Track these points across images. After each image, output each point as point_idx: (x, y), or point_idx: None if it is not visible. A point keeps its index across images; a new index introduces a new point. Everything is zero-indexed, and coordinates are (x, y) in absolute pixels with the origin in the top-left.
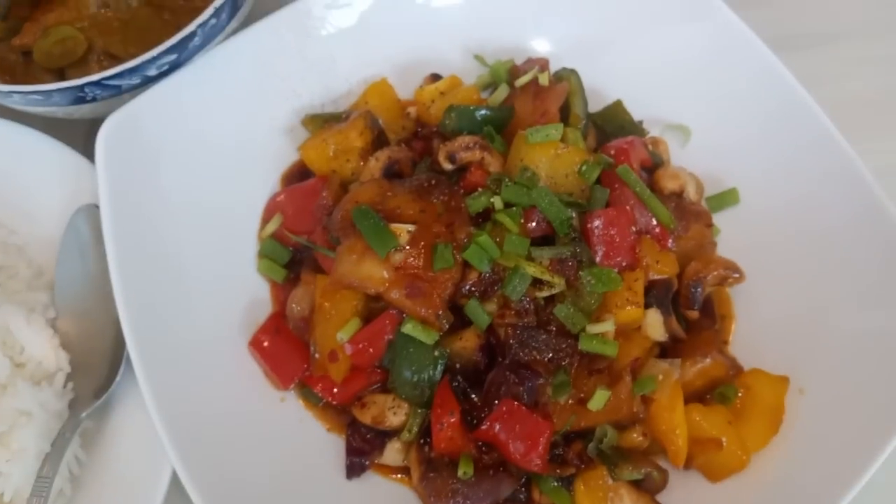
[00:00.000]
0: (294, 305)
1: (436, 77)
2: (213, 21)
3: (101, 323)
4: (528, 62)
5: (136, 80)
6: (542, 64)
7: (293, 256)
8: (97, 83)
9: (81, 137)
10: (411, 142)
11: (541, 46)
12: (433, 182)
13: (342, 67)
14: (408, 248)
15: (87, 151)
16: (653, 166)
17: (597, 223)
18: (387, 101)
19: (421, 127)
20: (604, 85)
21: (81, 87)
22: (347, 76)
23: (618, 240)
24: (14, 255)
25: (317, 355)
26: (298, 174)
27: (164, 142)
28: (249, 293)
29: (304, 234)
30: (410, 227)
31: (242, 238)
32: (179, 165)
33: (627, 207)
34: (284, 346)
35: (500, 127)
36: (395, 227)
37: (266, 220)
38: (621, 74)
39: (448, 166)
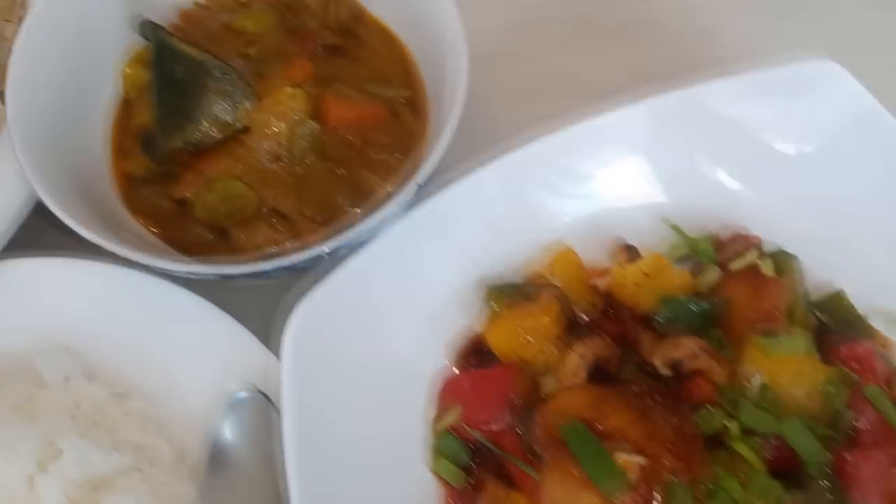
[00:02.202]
0: None
1: (630, 250)
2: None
3: None
4: (737, 239)
5: (322, 262)
6: (757, 244)
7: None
8: (287, 267)
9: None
10: (601, 321)
11: (735, 212)
12: (656, 397)
13: (524, 233)
14: (637, 485)
15: (240, 315)
16: (888, 374)
17: (863, 467)
18: (573, 273)
19: (611, 305)
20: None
21: (267, 271)
22: (529, 242)
23: (888, 490)
24: (154, 432)
25: None
26: (475, 353)
27: (348, 327)
28: (420, 495)
29: (482, 427)
30: (640, 460)
31: (411, 424)
32: (360, 351)
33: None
34: None
35: (715, 321)
36: (623, 458)
37: (442, 408)
38: (829, 254)
39: (667, 373)
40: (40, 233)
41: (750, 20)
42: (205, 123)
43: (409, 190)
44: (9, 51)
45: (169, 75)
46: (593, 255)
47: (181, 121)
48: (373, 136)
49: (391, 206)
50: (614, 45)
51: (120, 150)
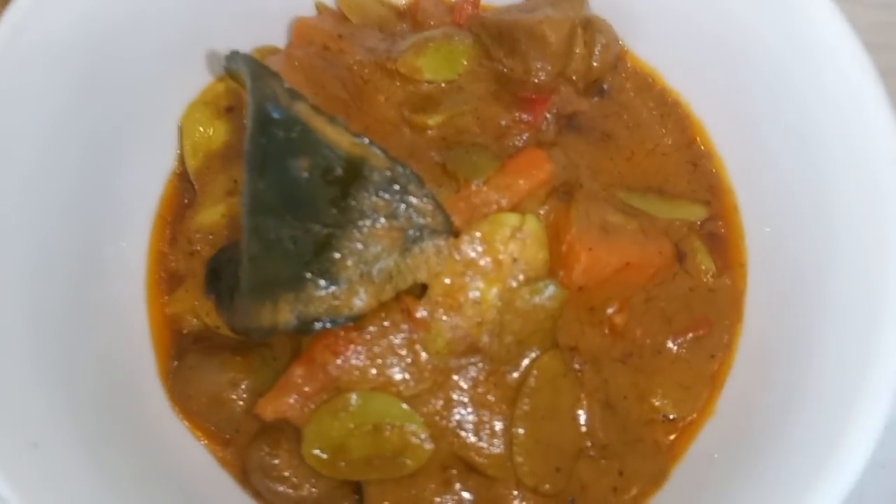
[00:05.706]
0: None
1: None
2: None
3: None
4: None
5: None
6: None
7: None
8: None
9: None
10: None
11: None
12: None
13: None
14: None
15: None
16: None
17: None
18: None
19: None
20: None
21: None
22: None
23: None
24: None
25: None
26: None
27: None
28: None
29: None
30: None
31: None
32: None
33: None
34: None
35: None
36: None
37: None
38: None
39: None
40: None
41: None
42: (346, 282)
43: None
44: None
45: (281, 176)
46: None
47: (297, 273)
48: (639, 299)
49: None
50: None
51: (162, 273)
